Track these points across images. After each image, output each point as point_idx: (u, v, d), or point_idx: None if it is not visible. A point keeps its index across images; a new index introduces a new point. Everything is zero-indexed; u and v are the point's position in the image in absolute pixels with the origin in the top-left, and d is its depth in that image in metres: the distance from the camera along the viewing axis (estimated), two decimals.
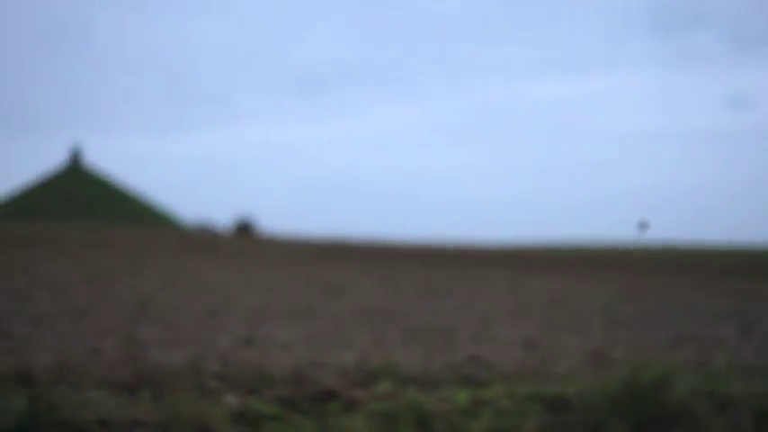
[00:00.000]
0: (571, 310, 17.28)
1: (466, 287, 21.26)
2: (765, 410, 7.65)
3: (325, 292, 18.31)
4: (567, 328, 14.36)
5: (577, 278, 26.10)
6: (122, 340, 10.92)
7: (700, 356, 10.60)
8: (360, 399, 7.05)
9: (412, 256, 31.88)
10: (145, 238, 35.73)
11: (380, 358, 10.10)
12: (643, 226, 7.99)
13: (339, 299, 17.15)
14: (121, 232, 41.22)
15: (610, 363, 10.17)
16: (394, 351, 10.89)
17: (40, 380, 7.46)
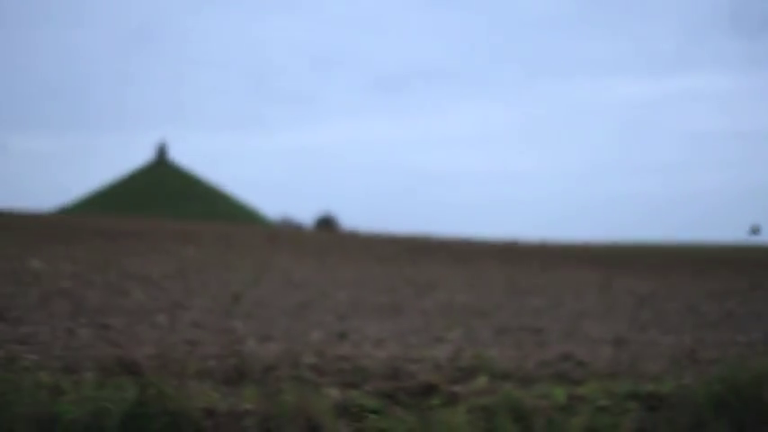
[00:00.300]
0: (659, 309, 17.17)
1: (552, 285, 21.20)
2: None
3: (412, 289, 18.41)
4: (656, 327, 14.30)
5: (664, 277, 25.87)
6: (218, 333, 11.14)
7: None
8: (459, 394, 7.14)
9: (496, 255, 31.79)
10: (231, 234, 36.10)
11: (472, 354, 10.20)
12: (755, 230, 7.97)
13: (427, 295, 17.24)
14: (207, 227, 41.74)
15: (701, 362, 10.15)
16: (485, 347, 10.98)
17: (144, 371, 7.66)
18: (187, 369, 7.76)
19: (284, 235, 38.16)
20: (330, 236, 41.15)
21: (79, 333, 10.49)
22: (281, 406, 6.34)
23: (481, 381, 7.61)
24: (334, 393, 7.06)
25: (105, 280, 16.70)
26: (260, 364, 8.54)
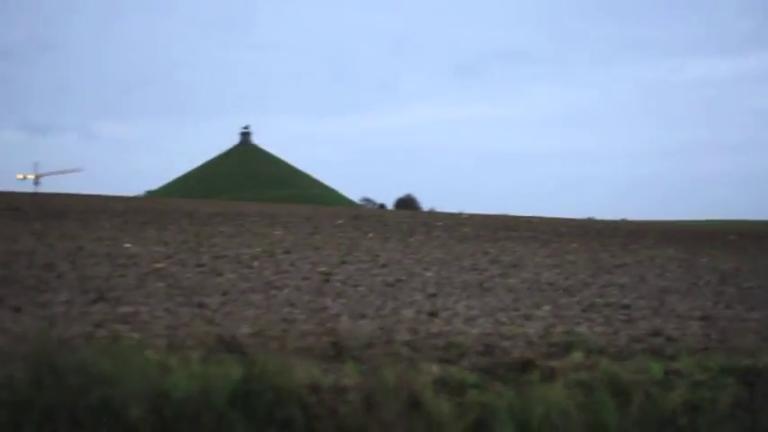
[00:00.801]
0: (742, 285, 17.10)
1: (635, 263, 21.14)
2: None
3: (498, 267, 18.47)
4: (741, 304, 14.27)
5: (745, 254, 25.65)
6: (312, 312, 11.35)
7: None
8: (556, 369, 7.25)
9: (576, 233, 31.68)
10: (315, 215, 36.36)
11: (563, 331, 10.30)
12: None
13: (513, 273, 17.29)
14: (292, 209, 42.08)
15: None
16: (575, 324, 11.07)
17: (245, 348, 7.86)
18: (286, 347, 7.93)
19: (367, 216, 38.32)
20: (412, 216, 41.21)
21: (178, 312, 10.76)
22: (382, 381, 6.49)
23: (577, 356, 7.70)
24: (434, 369, 7.20)
25: (198, 261, 17.00)
26: (356, 342, 8.71)
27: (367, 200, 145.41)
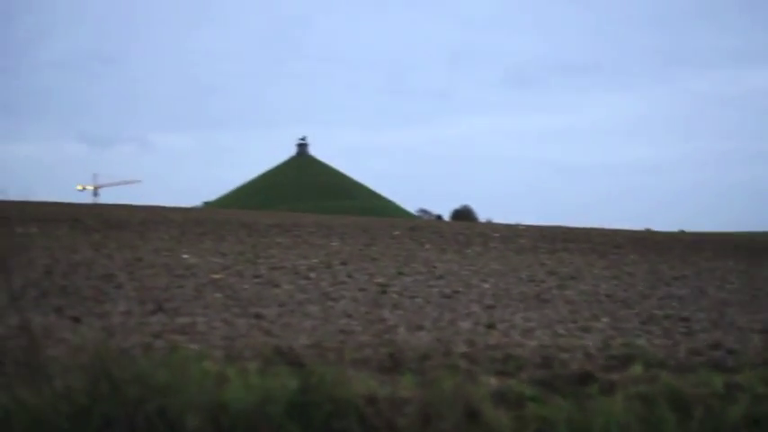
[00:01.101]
0: None
1: (694, 275, 20.92)
2: None
3: (555, 279, 18.38)
4: None
5: None
6: (369, 323, 11.34)
7: None
8: (616, 382, 7.17)
9: (634, 244, 31.43)
10: (372, 226, 36.38)
11: (622, 343, 10.19)
12: None
13: (571, 285, 17.19)
14: (349, 220, 42.15)
15: None
16: (634, 337, 10.95)
17: (303, 360, 7.87)
18: (344, 358, 7.92)
19: (424, 227, 38.28)
20: (469, 227, 41.11)
21: (235, 323, 10.79)
22: (439, 393, 6.45)
23: (636, 369, 7.61)
24: (492, 381, 7.15)
25: (255, 272, 17.08)
26: (414, 353, 8.68)
27: (424, 211, 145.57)
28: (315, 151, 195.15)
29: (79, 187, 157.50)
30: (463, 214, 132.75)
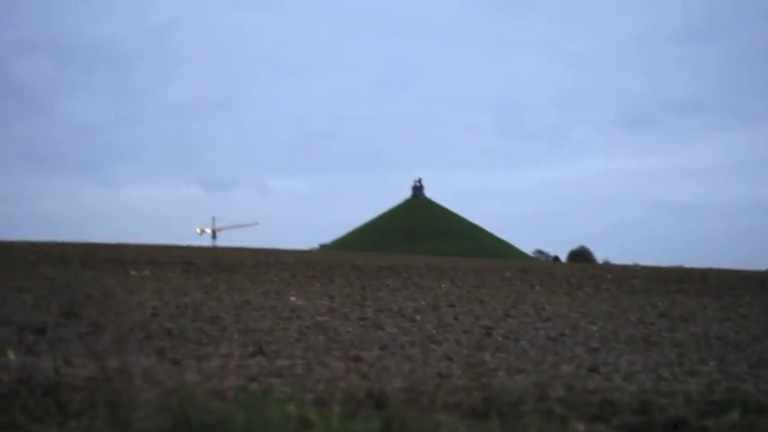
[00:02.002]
0: None
1: None
2: None
3: (666, 321, 18.03)
4: None
5: None
6: (468, 366, 11.23)
7: None
8: (710, 428, 6.96)
9: (753, 286, 30.71)
10: (484, 268, 36.23)
11: (726, 388, 9.90)
12: None
13: (681, 327, 16.84)
14: (462, 262, 42.03)
15: None
16: (740, 381, 10.64)
17: (393, 403, 7.80)
18: (435, 402, 7.84)
19: (536, 268, 37.97)
20: (582, 269, 40.63)
21: (333, 366, 10.78)
22: None
23: (733, 415, 7.37)
24: (581, 427, 7.00)
25: (361, 314, 17.09)
26: (508, 398, 8.55)
27: (540, 252, 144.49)
28: (430, 193, 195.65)
29: (198, 230, 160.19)
30: (580, 255, 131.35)
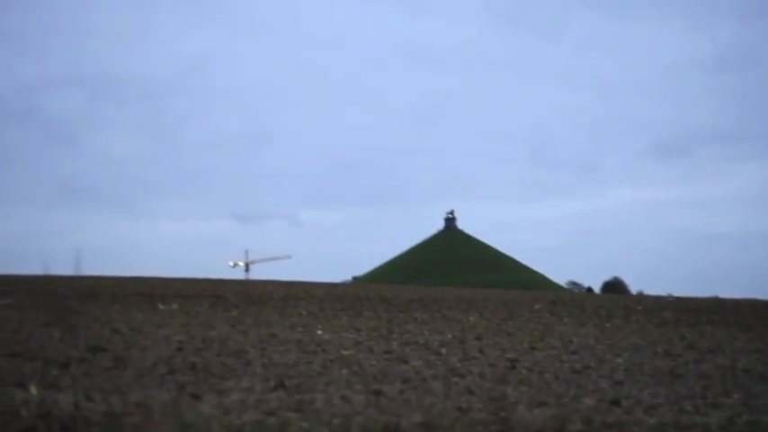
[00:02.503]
0: None
1: None
2: None
3: (693, 353, 17.93)
4: None
5: None
6: (489, 400, 11.21)
7: None
8: None
9: None
10: (513, 300, 36.17)
11: (747, 421, 9.86)
12: None
13: (708, 359, 16.74)
14: (491, 294, 41.97)
15: None
16: (762, 413, 10.58)
17: None
18: None
19: (566, 300, 37.83)
20: (613, 300, 40.45)
21: (353, 400, 10.80)
22: None
23: None
24: None
25: (386, 348, 17.10)
26: (525, 431, 8.55)
27: (573, 283, 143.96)
28: (462, 225, 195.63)
29: (231, 263, 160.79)
30: (614, 286, 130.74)
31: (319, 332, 19.86)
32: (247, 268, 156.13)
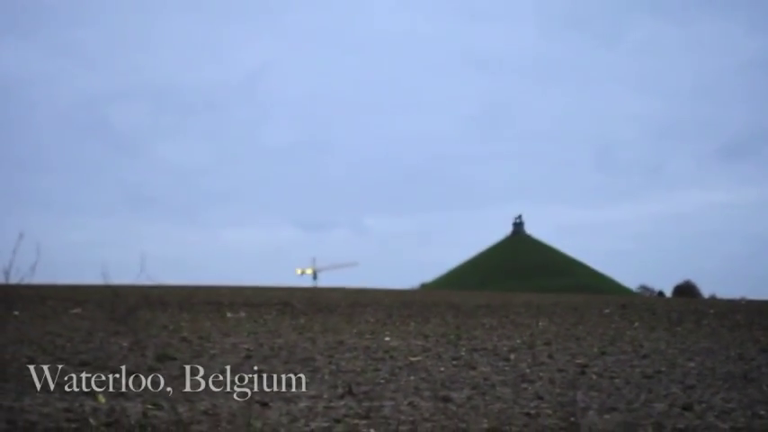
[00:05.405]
0: None
1: None
2: None
3: (766, 356, 17.63)
4: None
5: None
6: (559, 405, 11.09)
7: None
8: None
9: None
10: (583, 304, 35.85)
11: None
12: None
13: None
14: (561, 299, 41.65)
15: None
16: None
17: None
18: None
19: (636, 305, 37.42)
20: (684, 304, 39.95)
21: (421, 407, 10.73)
22: None
23: None
24: None
25: (454, 354, 17.00)
26: None
27: (644, 288, 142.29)
28: (530, 229, 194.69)
29: (299, 271, 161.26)
30: (685, 290, 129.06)
31: (387, 339, 19.82)
32: (315, 276, 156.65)
